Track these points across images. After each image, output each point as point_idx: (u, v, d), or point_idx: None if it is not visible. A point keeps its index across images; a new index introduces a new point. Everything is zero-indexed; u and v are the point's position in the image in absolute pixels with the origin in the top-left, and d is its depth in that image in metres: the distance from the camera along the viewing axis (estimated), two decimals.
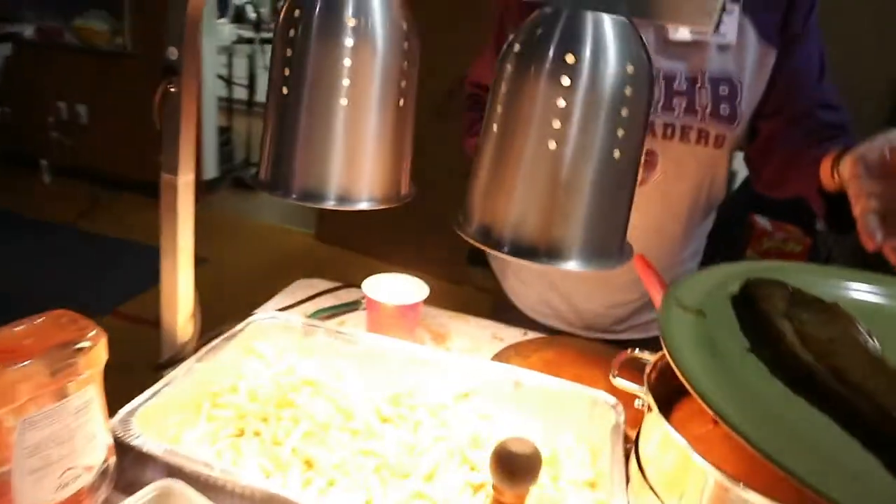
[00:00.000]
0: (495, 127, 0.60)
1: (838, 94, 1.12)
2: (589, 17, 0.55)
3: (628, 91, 0.56)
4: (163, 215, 0.86)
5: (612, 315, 1.37)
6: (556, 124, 0.56)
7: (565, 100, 0.55)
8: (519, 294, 1.41)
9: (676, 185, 1.16)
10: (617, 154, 0.58)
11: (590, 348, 1.23)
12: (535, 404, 0.99)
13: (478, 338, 1.25)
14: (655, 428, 0.77)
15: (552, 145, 0.57)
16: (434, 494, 0.81)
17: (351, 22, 0.61)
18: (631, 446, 0.81)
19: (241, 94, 5.73)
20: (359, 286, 1.15)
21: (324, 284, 1.34)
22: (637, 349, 0.88)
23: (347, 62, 0.62)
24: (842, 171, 0.84)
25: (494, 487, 0.52)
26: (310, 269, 1.48)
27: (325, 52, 0.62)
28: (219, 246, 3.89)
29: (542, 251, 0.61)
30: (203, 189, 4.68)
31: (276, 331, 1.04)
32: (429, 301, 1.17)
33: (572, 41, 0.55)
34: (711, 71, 1.08)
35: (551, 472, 0.89)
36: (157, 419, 0.82)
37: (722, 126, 1.10)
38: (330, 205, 0.67)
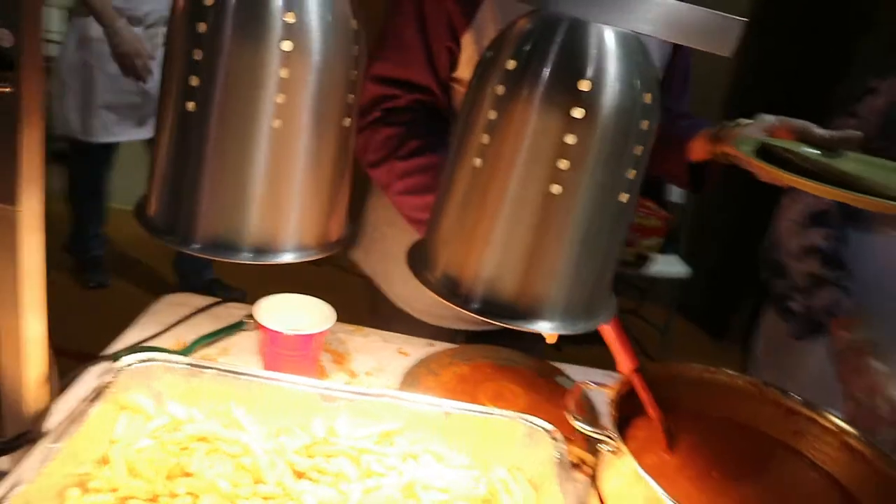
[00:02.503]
0: (478, 161, 0.48)
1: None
2: (600, 31, 0.44)
3: (644, 125, 0.46)
4: None
5: None
6: (563, 164, 0.46)
7: (576, 136, 0.45)
8: (410, 300, 1.30)
9: None
10: (624, 199, 0.49)
11: (502, 357, 1.16)
12: (463, 436, 0.90)
13: (382, 356, 1.13)
14: (623, 469, 0.71)
15: (555, 189, 0.46)
16: None
17: (287, 17, 0.45)
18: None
19: None
20: (234, 292, 0.98)
21: (196, 300, 1.15)
22: (589, 382, 0.82)
23: (284, 72, 0.47)
24: (729, 151, 0.95)
25: None
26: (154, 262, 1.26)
27: (250, 57, 0.46)
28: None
29: (520, 312, 0.51)
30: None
31: (154, 375, 0.85)
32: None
33: (585, 62, 0.44)
34: None
35: None
36: None
37: None
38: (245, 258, 0.52)
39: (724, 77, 3.07)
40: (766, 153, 0.86)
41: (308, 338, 0.94)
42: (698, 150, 1.05)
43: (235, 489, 0.75)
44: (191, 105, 0.48)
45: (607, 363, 1.12)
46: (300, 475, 0.82)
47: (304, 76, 0.48)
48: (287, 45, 0.46)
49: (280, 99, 0.47)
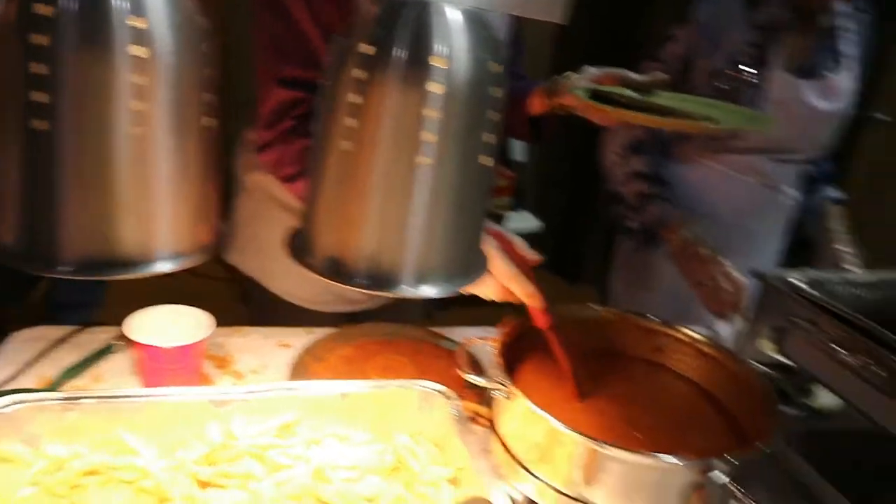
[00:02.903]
0: (346, 144, 0.50)
1: None
2: (443, 9, 0.48)
3: (496, 92, 0.51)
4: None
5: None
6: (428, 137, 0.49)
7: (437, 109, 0.48)
8: (294, 292, 1.30)
9: None
10: (486, 162, 0.53)
11: (383, 332, 1.19)
12: (362, 413, 0.92)
13: (264, 352, 1.12)
14: (518, 410, 0.77)
15: (423, 161, 0.49)
16: None
17: (133, 22, 0.44)
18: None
19: None
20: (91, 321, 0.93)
21: (52, 331, 1.07)
22: (474, 338, 0.87)
23: (135, 78, 0.46)
24: (565, 101, 1.06)
25: None
26: None
27: (100, 66, 0.45)
28: None
29: (404, 280, 0.54)
30: None
31: (24, 418, 0.79)
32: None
33: (435, 40, 0.47)
34: None
35: (405, 479, 0.84)
36: None
37: None
38: (119, 274, 0.51)
39: (547, 37, 3.24)
40: (596, 97, 0.98)
41: (188, 348, 0.91)
42: (536, 105, 1.14)
43: None
44: (38, 122, 0.45)
45: (477, 321, 1.20)
46: (206, 485, 0.80)
47: (156, 80, 0.47)
48: (136, 50, 0.45)
49: (135, 106, 0.46)
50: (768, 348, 1.10)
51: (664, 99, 1.01)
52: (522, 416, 0.76)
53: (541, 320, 0.90)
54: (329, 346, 1.12)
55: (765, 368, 1.01)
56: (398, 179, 0.50)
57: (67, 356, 1.02)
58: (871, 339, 0.85)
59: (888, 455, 0.99)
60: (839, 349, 0.86)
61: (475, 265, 0.61)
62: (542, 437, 0.74)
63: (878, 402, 0.84)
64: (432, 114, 0.48)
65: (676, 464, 0.70)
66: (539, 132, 1.23)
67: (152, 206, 0.51)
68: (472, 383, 0.85)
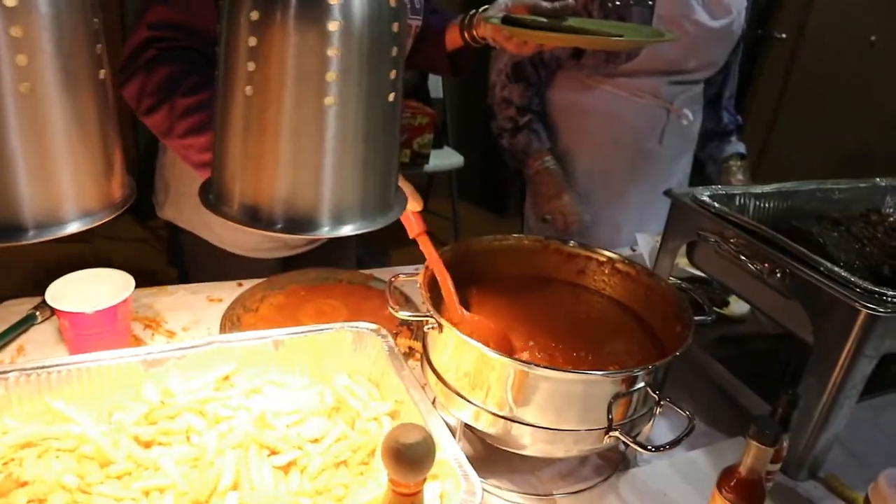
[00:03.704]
0: (248, 89, 0.50)
1: None
2: None
3: (396, 27, 0.51)
4: None
5: None
6: (330, 76, 0.49)
7: (336, 47, 0.48)
8: (236, 241, 1.29)
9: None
10: (392, 97, 0.53)
11: (312, 277, 1.19)
12: (298, 359, 0.93)
13: (194, 308, 1.11)
14: (448, 340, 0.79)
15: (328, 101, 0.49)
16: (250, 500, 0.73)
17: None
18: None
19: None
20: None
21: None
22: (399, 275, 0.88)
23: (14, 31, 0.44)
24: (483, 32, 1.13)
25: (391, 481, 0.49)
26: None
27: None
28: None
29: (322, 221, 0.54)
30: None
31: None
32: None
33: None
34: None
35: (346, 417, 0.87)
36: None
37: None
38: (30, 237, 0.50)
39: None
40: (510, 24, 1.04)
41: (113, 310, 0.90)
42: (453, 38, 1.18)
43: (84, 479, 0.73)
44: None
45: (407, 260, 1.22)
46: (148, 444, 0.81)
47: (37, 31, 0.45)
48: (11, 2, 0.43)
49: (20, 61, 0.44)
50: (683, 263, 1.17)
51: (573, 22, 1.06)
52: (453, 344, 0.79)
53: (415, 227, 0.86)
54: (259, 297, 1.12)
55: (679, 282, 1.08)
56: (304, 121, 0.50)
57: None
58: (770, 245, 0.91)
59: (790, 352, 1.08)
60: (743, 258, 0.92)
61: (393, 202, 0.62)
62: (473, 365, 0.77)
63: (778, 303, 0.91)
64: (331, 52, 0.48)
65: (600, 377, 0.75)
66: (458, 66, 1.27)
67: (53, 164, 0.49)
68: (404, 320, 0.87)
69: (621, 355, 0.89)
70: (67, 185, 0.51)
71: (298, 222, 0.54)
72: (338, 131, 0.51)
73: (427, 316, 0.79)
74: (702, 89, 1.62)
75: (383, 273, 1.23)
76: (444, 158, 2.95)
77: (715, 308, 1.32)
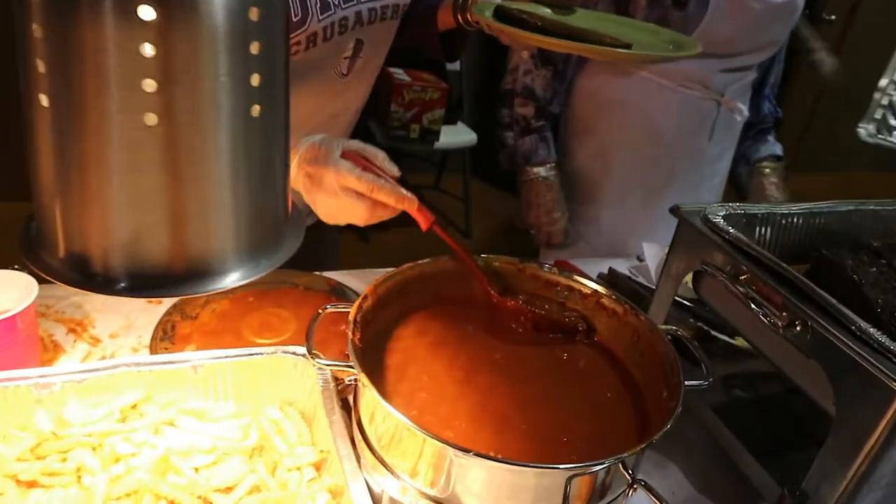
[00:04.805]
0: (44, 99, 0.36)
1: None
2: None
3: (254, 14, 0.36)
4: None
5: None
6: (150, 85, 0.34)
7: (155, 43, 0.33)
8: None
9: (376, 63, 1.17)
10: (256, 110, 0.39)
11: (265, 281, 1.05)
12: (221, 383, 0.81)
13: (129, 310, 0.99)
14: (375, 405, 0.65)
15: (151, 120, 0.35)
16: None
17: None
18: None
19: None
20: None
21: None
22: (328, 307, 0.74)
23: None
24: (477, 17, 1.01)
25: None
26: None
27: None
28: None
29: (184, 274, 0.41)
30: None
31: None
32: None
33: None
34: None
35: (268, 461, 0.74)
36: None
37: None
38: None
39: None
40: (505, 16, 0.90)
41: (11, 320, 0.77)
42: (445, 20, 1.11)
43: None
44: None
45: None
46: (31, 485, 0.69)
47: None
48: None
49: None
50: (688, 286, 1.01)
51: (581, 17, 0.93)
52: (376, 409, 0.65)
53: (422, 221, 0.84)
54: (202, 300, 0.99)
55: (674, 329, 0.92)
56: (117, 144, 0.36)
57: None
58: (790, 288, 0.75)
59: (806, 409, 0.91)
60: (754, 306, 0.77)
61: (283, 237, 0.48)
62: (397, 436, 0.63)
63: (796, 360, 0.75)
64: (149, 50, 0.33)
65: (550, 470, 0.60)
66: (450, 48, 1.19)
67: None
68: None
69: (591, 426, 0.72)
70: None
71: (148, 278, 0.41)
72: (171, 160, 0.37)
73: (346, 366, 0.65)
74: (752, 79, 1.44)
75: (349, 277, 1.09)
76: (457, 136, 2.77)
77: (723, 337, 1.17)
